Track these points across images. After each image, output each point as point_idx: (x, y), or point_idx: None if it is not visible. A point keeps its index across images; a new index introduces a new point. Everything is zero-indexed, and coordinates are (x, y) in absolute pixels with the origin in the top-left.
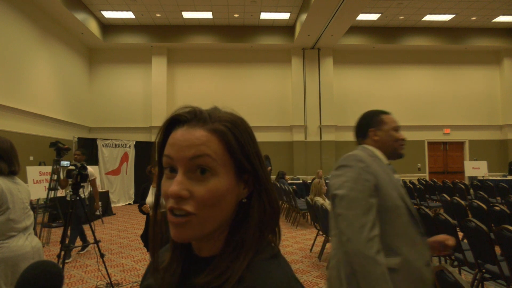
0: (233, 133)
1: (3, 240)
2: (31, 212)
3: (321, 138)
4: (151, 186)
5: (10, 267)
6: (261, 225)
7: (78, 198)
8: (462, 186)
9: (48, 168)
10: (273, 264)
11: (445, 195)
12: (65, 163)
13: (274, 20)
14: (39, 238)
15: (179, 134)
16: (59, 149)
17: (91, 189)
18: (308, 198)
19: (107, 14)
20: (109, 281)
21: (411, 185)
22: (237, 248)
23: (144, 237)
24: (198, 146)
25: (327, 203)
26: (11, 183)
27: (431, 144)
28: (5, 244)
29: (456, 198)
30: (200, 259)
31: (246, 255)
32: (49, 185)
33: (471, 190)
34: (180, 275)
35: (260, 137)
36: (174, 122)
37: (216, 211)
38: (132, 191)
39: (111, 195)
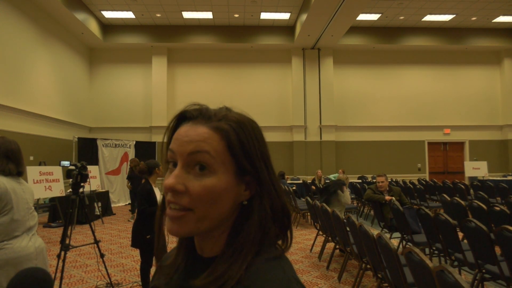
0: (237, 132)
1: (7, 240)
2: (35, 213)
3: (321, 138)
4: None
5: (13, 268)
6: (262, 228)
7: (78, 197)
8: (462, 186)
9: (48, 168)
10: (274, 265)
11: (445, 195)
12: (65, 163)
13: (274, 20)
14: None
15: (183, 130)
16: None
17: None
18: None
19: (107, 14)
20: (109, 281)
21: (411, 185)
22: (236, 251)
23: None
24: (197, 142)
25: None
26: (15, 183)
27: (431, 144)
28: (9, 245)
29: (456, 198)
30: (202, 260)
31: (245, 258)
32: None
33: (471, 190)
34: (183, 274)
35: None
36: (182, 118)
37: (213, 209)
38: None
39: (111, 195)
